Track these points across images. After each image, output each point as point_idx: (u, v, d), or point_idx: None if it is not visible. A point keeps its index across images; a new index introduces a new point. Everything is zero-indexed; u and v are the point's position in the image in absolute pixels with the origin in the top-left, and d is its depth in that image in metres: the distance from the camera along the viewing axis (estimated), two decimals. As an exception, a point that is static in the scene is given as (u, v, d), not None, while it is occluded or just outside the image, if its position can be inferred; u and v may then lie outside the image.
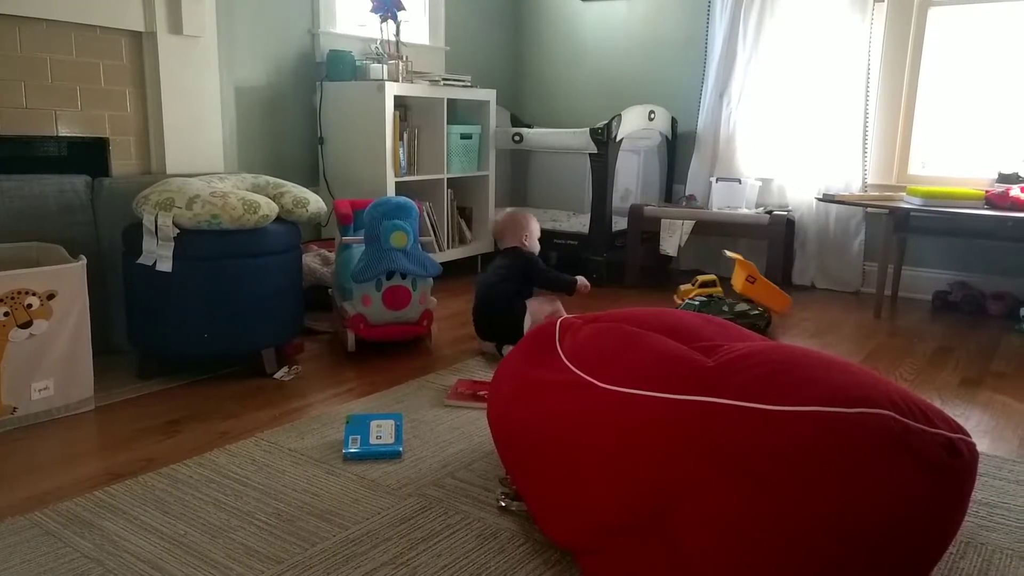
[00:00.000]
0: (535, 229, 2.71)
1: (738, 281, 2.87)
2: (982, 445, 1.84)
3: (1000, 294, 3.22)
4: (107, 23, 2.34)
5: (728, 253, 3.03)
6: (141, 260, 2.07)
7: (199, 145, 2.61)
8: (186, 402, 2.04)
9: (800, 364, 1.30)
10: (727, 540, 1.15)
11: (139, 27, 2.41)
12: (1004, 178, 3.14)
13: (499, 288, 2.50)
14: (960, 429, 1.25)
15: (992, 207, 2.97)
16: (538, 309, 2.49)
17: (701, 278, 2.97)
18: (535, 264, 2.60)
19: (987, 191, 3.03)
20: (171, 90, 2.51)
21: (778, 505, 1.13)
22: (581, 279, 2.63)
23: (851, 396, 1.19)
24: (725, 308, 2.74)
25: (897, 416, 1.18)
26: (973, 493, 1.56)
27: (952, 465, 1.19)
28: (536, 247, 2.71)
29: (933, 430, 1.20)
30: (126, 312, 2.23)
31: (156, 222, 2.06)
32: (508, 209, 3.04)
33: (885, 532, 1.14)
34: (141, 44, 2.46)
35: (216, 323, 2.14)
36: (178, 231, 2.07)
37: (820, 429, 1.15)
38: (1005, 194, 2.96)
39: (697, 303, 2.76)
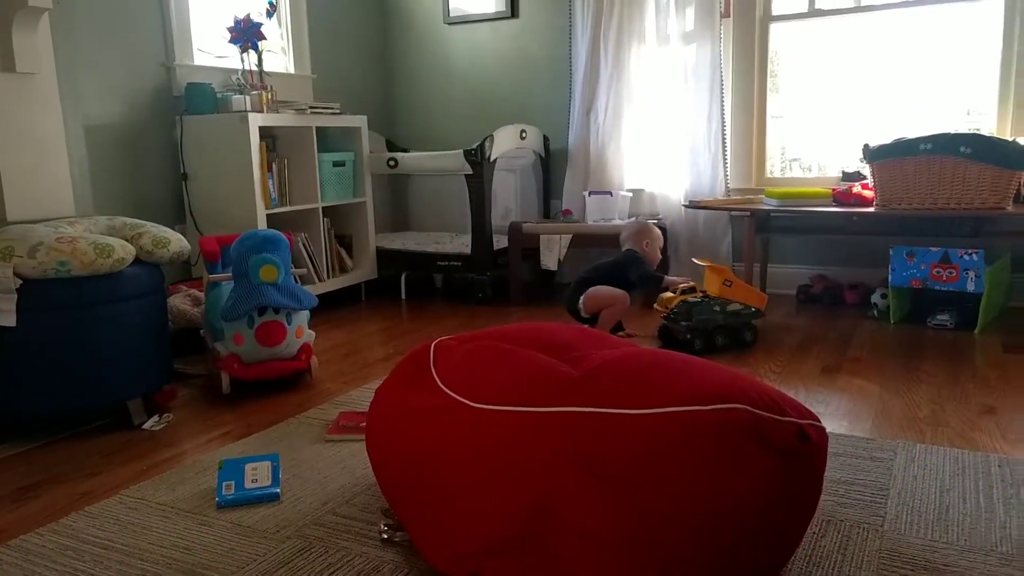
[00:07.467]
0: (658, 238, 3.18)
1: (713, 286, 2.84)
2: (840, 427, 1.96)
3: (855, 284, 3.47)
4: (-73, 63, 2.17)
5: (697, 260, 3.03)
6: (-21, 316, 1.91)
7: (43, 189, 2.44)
8: (41, 465, 1.88)
9: (660, 368, 1.35)
10: (599, 545, 1.17)
11: (-35, 66, 2.25)
12: (848, 176, 3.39)
13: (601, 273, 3.03)
14: (810, 415, 1.32)
15: (839, 204, 3.20)
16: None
17: (682, 286, 2.93)
18: (638, 262, 3.05)
19: (834, 189, 3.27)
20: (6, 132, 2.34)
21: (644, 505, 1.16)
22: (669, 278, 3.03)
23: (708, 394, 1.24)
24: (716, 308, 2.77)
25: (750, 408, 1.23)
26: (831, 473, 1.67)
27: (803, 449, 1.26)
28: (656, 256, 3.15)
29: (784, 419, 1.26)
30: (-34, 374, 2.05)
31: (-6, 274, 1.91)
32: (636, 218, 3.55)
33: (748, 519, 1.19)
34: (-31, 84, 2.29)
35: (71, 377, 2.00)
36: (20, 282, 1.93)
37: (678, 428, 1.19)
38: (849, 191, 3.19)
39: (677, 307, 2.79)
